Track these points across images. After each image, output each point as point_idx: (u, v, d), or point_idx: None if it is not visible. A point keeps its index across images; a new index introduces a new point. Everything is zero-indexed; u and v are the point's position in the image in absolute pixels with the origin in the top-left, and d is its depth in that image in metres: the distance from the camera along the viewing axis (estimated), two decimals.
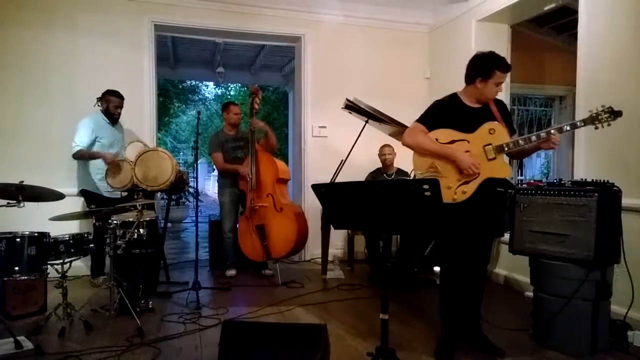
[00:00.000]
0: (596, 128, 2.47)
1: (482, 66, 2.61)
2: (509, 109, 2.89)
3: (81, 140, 4.06)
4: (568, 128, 2.52)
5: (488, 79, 2.59)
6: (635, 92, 3.11)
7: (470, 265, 2.69)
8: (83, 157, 4.11)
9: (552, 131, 2.51)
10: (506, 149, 2.55)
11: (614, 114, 2.44)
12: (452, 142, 2.59)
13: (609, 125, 2.46)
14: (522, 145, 2.56)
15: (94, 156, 4.09)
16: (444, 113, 2.66)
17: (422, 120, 2.69)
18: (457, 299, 2.68)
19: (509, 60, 4.66)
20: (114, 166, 3.97)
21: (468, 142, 2.59)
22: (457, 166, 2.55)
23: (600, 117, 2.45)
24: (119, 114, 4.28)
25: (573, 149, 3.60)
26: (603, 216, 2.59)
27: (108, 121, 4.23)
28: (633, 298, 2.83)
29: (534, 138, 2.53)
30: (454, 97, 2.73)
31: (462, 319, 2.74)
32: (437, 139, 2.64)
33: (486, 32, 4.74)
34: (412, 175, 2.83)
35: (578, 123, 2.52)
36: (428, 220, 2.00)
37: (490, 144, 2.56)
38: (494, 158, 2.56)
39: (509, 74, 2.80)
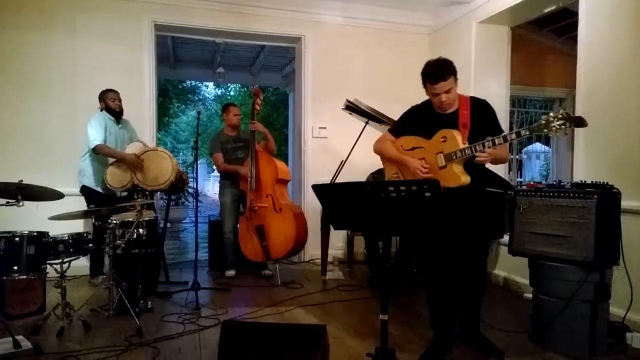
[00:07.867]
0: (555, 134, 2.23)
1: (422, 77, 2.55)
2: (493, 110, 2.63)
3: (96, 136, 3.97)
4: (513, 137, 2.30)
5: (426, 90, 2.57)
6: (634, 95, 3.11)
7: (454, 267, 2.66)
8: (103, 152, 4.00)
9: (488, 143, 2.31)
10: (454, 157, 2.42)
11: (571, 120, 2.14)
12: (413, 149, 2.61)
13: (565, 134, 2.28)
14: (468, 155, 2.38)
15: (115, 155, 4.00)
16: (414, 119, 2.68)
17: (392, 129, 2.76)
18: (440, 302, 2.67)
19: (509, 62, 4.73)
20: (136, 167, 3.89)
21: (424, 149, 2.57)
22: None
23: (552, 124, 2.15)
24: (119, 106, 4.22)
25: (572, 150, 3.60)
26: (602, 218, 2.59)
27: (114, 119, 4.19)
28: (632, 300, 2.83)
29: (479, 147, 2.34)
30: (427, 102, 2.69)
31: (461, 320, 2.75)
32: (402, 146, 2.69)
33: (486, 34, 4.75)
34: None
35: (522, 132, 2.29)
36: (428, 221, 2.00)
37: (441, 152, 2.48)
38: (444, 166, 2.48)
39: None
